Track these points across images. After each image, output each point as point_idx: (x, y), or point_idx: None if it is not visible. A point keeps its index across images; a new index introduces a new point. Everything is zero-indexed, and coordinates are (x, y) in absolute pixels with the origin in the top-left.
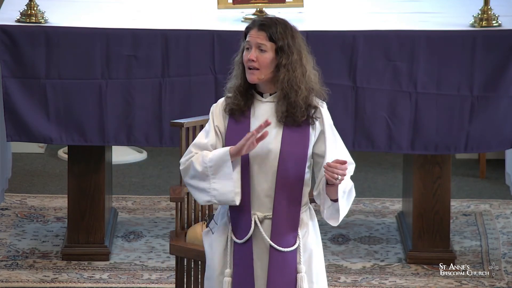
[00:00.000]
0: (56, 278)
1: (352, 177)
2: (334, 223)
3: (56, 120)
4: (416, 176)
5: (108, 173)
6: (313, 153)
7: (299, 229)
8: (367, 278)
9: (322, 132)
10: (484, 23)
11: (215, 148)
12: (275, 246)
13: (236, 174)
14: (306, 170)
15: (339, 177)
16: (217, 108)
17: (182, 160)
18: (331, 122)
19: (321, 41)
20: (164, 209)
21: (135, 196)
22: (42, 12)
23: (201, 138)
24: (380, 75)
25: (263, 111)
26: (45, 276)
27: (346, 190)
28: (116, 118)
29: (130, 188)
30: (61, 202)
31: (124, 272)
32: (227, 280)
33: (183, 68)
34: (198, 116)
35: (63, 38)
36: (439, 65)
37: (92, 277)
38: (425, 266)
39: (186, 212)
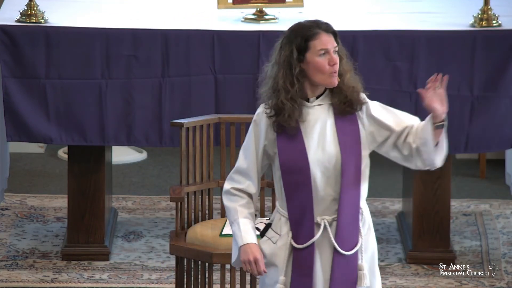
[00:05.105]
0: (56, 278)
1: None
2: (439, 161)
3: (56, 120)
4: (416, 176)
5: (108, 173)
6: (378, 138)
7: (361, 226)
8: None
9: (369, 115)
10: (484, 23)
11: (257, 167)
12: (340, 249)
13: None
14: (364, 165)
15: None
16: (263, 125)
17: (226, 187)
18: (377, 102)
19: None
20: (164, 209)
21: (135, 196)
22: (42, 12)
23: (241, 160)
24: (380, 75)
25: (312, 115)
26: (45, 276)
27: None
28: (116, 118)
29: (130, 188)
30: (61, 202)
31: (124, 272)
32: (281, 287)
33: (183, 68)
34: (198, 116)
35: (63, 38)
36: (439, 65)
37: (92, 277)
38: (425, 266)
39: (186, 212)
